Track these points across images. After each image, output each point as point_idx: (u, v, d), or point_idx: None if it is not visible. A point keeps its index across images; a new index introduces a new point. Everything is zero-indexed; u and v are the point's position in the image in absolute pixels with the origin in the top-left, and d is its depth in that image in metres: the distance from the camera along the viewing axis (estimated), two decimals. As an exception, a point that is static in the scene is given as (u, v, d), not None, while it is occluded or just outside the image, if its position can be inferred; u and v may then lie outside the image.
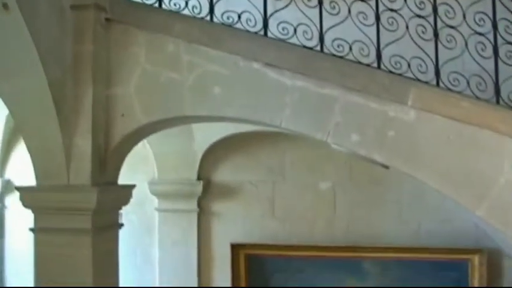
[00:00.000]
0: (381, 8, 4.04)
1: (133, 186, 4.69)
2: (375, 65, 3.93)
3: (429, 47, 3.94)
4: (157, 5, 4.34)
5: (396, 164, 3.75)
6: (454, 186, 3.63)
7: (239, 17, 4.19)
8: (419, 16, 4.01)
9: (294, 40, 4.05)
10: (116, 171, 4.51)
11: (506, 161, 3.54)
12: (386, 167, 4.28)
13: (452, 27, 4.00)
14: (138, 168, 6.93)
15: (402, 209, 6.71)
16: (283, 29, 4.05)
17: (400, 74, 3.88)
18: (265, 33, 4.11)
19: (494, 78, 3.88)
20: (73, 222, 4.16)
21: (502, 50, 3.95)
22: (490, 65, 3.91)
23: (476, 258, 6.39)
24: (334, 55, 3.98)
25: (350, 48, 4.01)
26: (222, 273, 7.01)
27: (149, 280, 7.19)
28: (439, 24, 3.98)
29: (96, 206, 4.11)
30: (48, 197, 4.23)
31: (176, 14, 4.28)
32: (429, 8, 4.01)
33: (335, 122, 3.77)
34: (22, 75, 3.93)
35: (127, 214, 6.84)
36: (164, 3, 4.37)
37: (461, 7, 4.07)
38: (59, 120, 4.05)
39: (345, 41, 4.01)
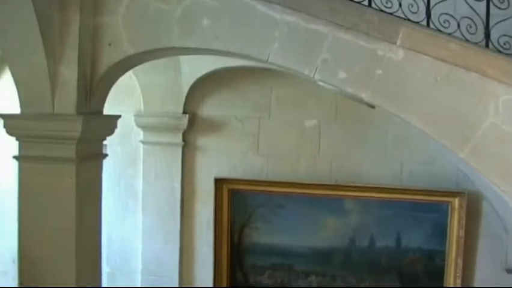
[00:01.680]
0: None
1: (118, 116, 4.68)
2: (366, 3, 3.88)
3: (422, -13, 3.90)
4: None
5: (382, 103, 3.75)
6: (438, 127, 3.64)
7: None
8: (412, -45, 3.95)
9: (285, -26, 3.99)
10: (101, 101, 4.49)
11: (492, 104, 3.54)
12: (372, 106, 4.28)
13: (445, -33, 3.95)
14: (124, 100, 6.94)
15: (386, 149, 6.74)
16: (274, -38, 3.98)
17: (391, 13, 3.84)
18: (256, -34, 4.04)
19: (484, 21, 3.85)
20: (57, 150, 4.18)
21: (495, -7, 3.91)
22: (481, 8, 3.87)
23: (456, 201, 6.46)
24: (325, -9, 3.93)
25: (342, -15, 3.96)
26: (204, 207, 7.07)
27: (132, 210, 7.25)
28: (433, -36, 3.93)
29: (80, 135, 4.12)
30: (33, 125, 4.23)
31: None
32: None
33: (323, 58, 3.75)
34: (8, 2, 3.87)
35: (112, 146, 6.88)
36: None
37: None
38: (44, 49, 4.02)
39: (337, -23, 3.96)
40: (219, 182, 6.91)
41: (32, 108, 4.22)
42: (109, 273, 7.37)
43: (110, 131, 4.67)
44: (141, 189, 7.22)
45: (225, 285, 7.03)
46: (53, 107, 4.16)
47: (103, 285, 5.06)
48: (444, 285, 6.59)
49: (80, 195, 4.26)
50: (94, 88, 4.27)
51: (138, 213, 7.23)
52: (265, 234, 6.92)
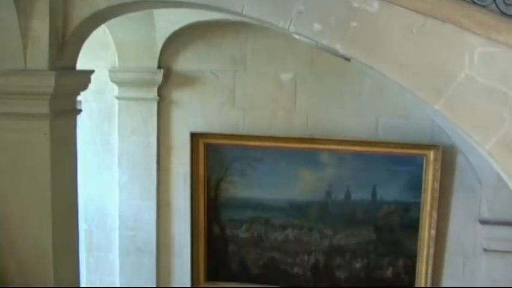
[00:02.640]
0: None
1: (92, 71, 4.63)
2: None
3: None
4: None
5: (357, 55, 3.73)
6: (414, 79, 3.64)
7: None
8: None
9: None
10: (74, 56, 4.44)
11: (467, 57, 3.54)
12: (348, 59, 4.27)
13: None
14: (99, 56, 6.83)
15: (362, 103, 6.76)
16: None
17: (366, -35, 3.81)
18: None
19: (460, -28, 3.83)
20: (31, 106, 4.13)
21: None
22: (458, -41, 3.85)
23: (431, 154, 6.52)
24: None
25: None
26: (181, 161, 7.09)
27: (108, 166, 7.23)
28: None
29: (54, 91, 4.08)
30: (5, 81, 4.16)
31: None
32: None
33: (298, 10, 3.71)
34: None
35: (87, 102, 6.83)
36: None
37: None
38: (15, 3, 3.94)
39: None
40: (194, 137, 6.90)
41: (3, 64, 4.15)
42: (86, 230, 7.38)
43: (84, 86, 4.62)
44: (117, 145, 7.18)
45: (202, 238, 7.07)
46: (25, 63, 4.10)
47: (80, 242, 5.04)
48: (419, 237, 6.69)
49: (55, 151, 4.23)
50: (66, 43, 4.21)
51: (114, 169, 7.21)
52: (241, 188, 6.95)
